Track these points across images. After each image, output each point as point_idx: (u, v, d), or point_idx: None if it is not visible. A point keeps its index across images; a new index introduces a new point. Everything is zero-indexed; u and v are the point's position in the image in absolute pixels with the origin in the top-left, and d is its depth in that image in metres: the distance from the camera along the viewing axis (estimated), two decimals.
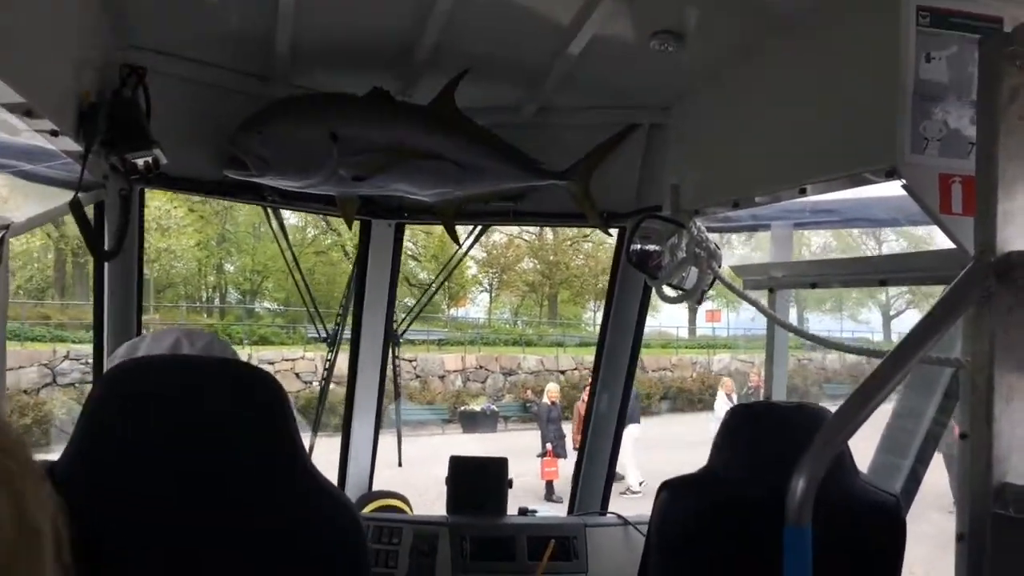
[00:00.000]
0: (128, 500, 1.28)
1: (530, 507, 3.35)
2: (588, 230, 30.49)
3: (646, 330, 3.62)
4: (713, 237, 2.68)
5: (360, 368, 3.59)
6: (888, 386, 1.32)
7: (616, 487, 3.96)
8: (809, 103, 2.07)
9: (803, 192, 2.14)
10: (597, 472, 3.57)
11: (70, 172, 2.27)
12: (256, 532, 1.33)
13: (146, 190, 2.86)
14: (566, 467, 13.14)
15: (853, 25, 1.89)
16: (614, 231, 3.30)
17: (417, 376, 23.56)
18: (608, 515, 3.34)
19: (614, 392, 3.51)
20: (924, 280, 2.32)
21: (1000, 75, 1.30)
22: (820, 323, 35.39)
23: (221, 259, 31.40)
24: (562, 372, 25.14)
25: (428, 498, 6.19)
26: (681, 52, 2.38)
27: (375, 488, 3.77)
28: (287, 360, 21.79)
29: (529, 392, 22.86)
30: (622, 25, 2.39)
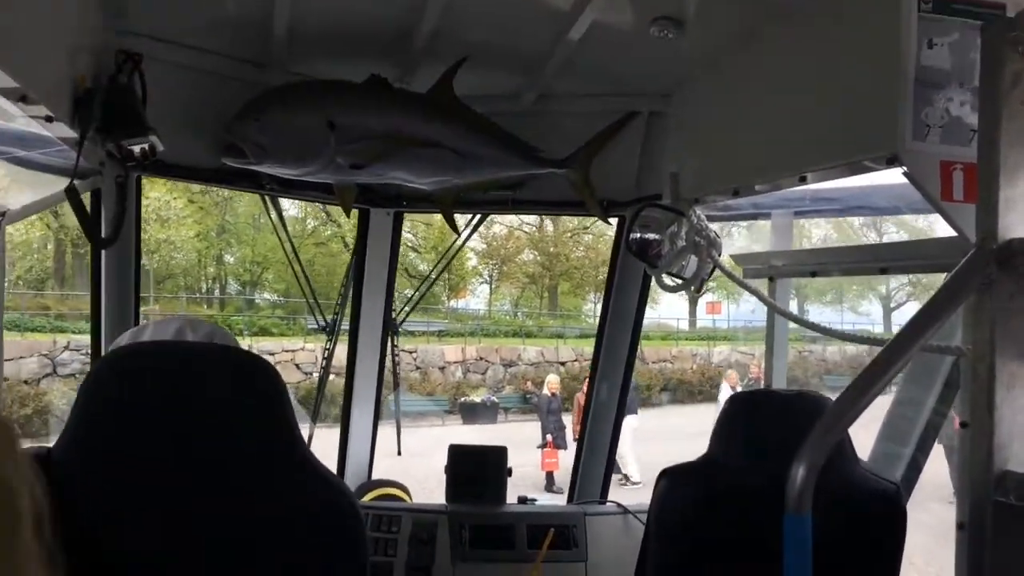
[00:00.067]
0: (125, 482, 1.28)
1: (530, 496, 3.36)
2: (588, 221, 30.76)
3: (646, 322, 3.62)
4: (713, 228, 2.67)
5: (359, 357, 3.59)
6: (889, 374, 1.31)
7: (615, 477, 3.96)
8: (809, 90, 2.06)
9: (803, 180, 2.13)
10: (597, 461, 3.57)
11: (66, 159, 2.27)
12: (254, 519, 1.33)
13: (144, 179, 2.85)
14: (566, 458, 13.16)
15: (854, 11, 1.88)
16: (613, 220, 3.29)
17: (417, 367, 23.58)
18: (608, 504, 3.34)
19: (613, 382, 3.51)
20: (925, 268, 2.31)
21: (1002, 61, 1.29)
22: (820, 315, 35.35)
23: (221, 250, 31.40)
24: (562, 363, 25.14)
25: (428, 487, 6.20)
26: (681, 39, 2.37)
27: (374, 478, 3.77)
28: (287, 351, 21.80)
29: (529, 383, 22.89)
30: (621, 11, 2.37)
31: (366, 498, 3.38)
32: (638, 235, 2.79)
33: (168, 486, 1.29)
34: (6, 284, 2.45)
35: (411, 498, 3.55)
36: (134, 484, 1.28)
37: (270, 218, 3.35)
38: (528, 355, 25.62)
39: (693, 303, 34.06)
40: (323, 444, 2.81)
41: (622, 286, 3.36)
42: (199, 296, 31.47)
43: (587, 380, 3.86)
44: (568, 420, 15.13)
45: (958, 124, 1.69)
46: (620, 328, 3.44)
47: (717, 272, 2.69)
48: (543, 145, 2.99)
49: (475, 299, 36.14)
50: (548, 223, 34.41)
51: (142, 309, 2.95)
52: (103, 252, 2.69)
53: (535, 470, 13.84)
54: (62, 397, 17.29)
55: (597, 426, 3.57)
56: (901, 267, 2.41)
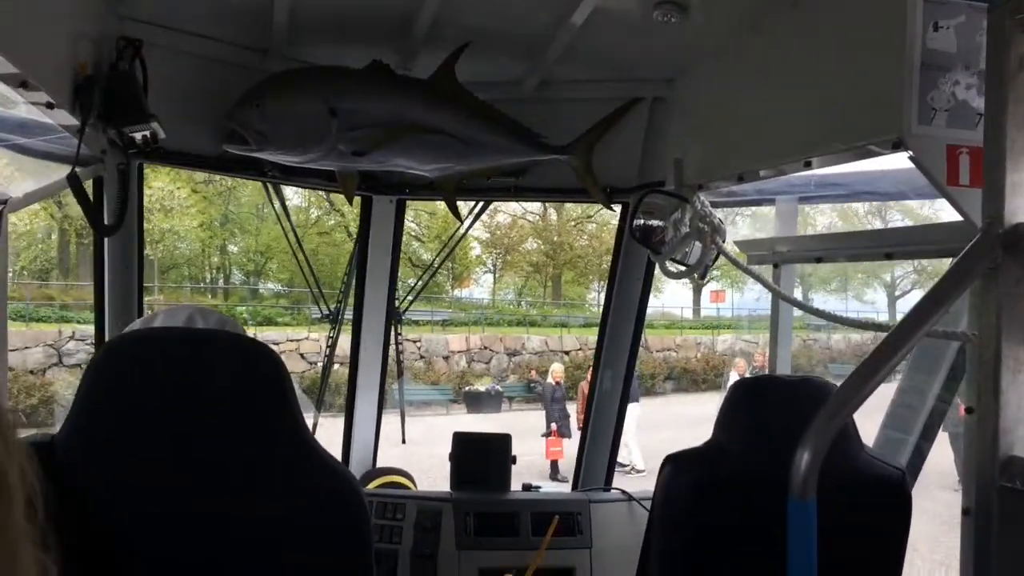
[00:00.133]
0: (128, 469, 1.28)
1: (534, 484, 3.36)
2: (592, 210, 30.74)
3: (650, 311, 3.61)
4: (718, 214, 2.66)
5: (363, 346, 3.59)
6: (894, 359, 1.30)
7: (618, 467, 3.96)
8: (814, 74, 2.04)
9: (808, 165, 2.11)
10: (601, 449, 3.57)
11: (67, 147, 2.26)
12: (260, 506, 1.33)
13: (147, 168, 2.84)
14: (571, 447, 13.19)
15: None
16: (617, 207, 3.28)
17: (421, 357, 23.61)
18: (612, 491, 3.34)
19: (617, 370, 3.50)
20: (930, 253, 2.29)
21: (1009, 43, 1.27)
22: (825, 303, 35.19)
23: (225, 240, 31.42)
24: (566, 352, 25.14)
25: (432, 476, 6.21)
26: (684, 23, 2.35)
27: (379, 466, 3.78)
28: (291, 340, 21.82)
29: (533, 372, 22.90)
30: None
31: (371, 486, 3.39)
32: (642, 222, 2.78)
33: (172, 473, 1.29)
34: (10, 274, 2.45)
35: (415, 486, 3.56)
36: (137, 470, 1.28)
37: (273, 207, 3.34)
38: (532, 344, 25.63)
39: (697, 292, 34.10)
40: (327, 433, 2.82)
41: (626, 274, 3.36)
42: (203, 286, 31.50)
43: (591, 369, 3.86)
44: (572, 409, 15.15)
45: (964, 108, 1.68)
46: (624, 316, 3.43)
47: (721, 260, 2.68)
48: (546, 131, 2.98)
49: (479, 288, 36.15)
50: (552, 212, 34.38)
51: (146, 299, 2.96)
52: (106, 241, 2.68)
53: (540, 459, 13.85)
54: (67, 387, 17.32)
55: (601, 414, 3.57)
56: (906, 252, 2.40)
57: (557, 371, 16.47)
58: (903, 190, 2.83)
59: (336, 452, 2.90)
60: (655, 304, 31.00)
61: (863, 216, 31.23)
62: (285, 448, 1.37)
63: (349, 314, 3.63)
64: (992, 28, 1.31)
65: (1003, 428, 1.25)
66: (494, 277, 36.31)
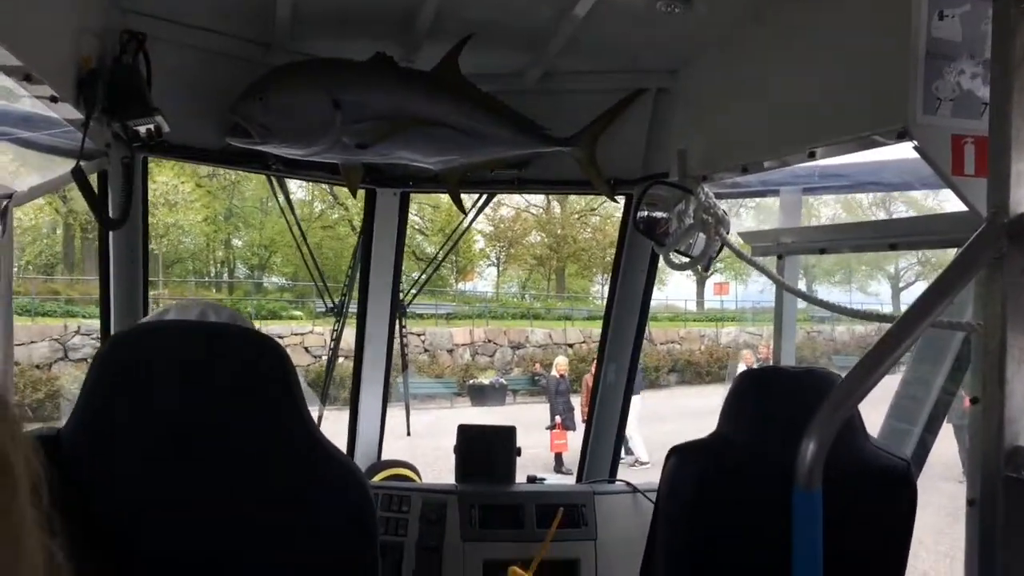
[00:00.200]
0: (135, 461, 1.28)
1: (539, 476, 3.37)
2: (596, 203, 30.72)
3: (654, 303, 3.61)
4: (722, 205, 2.66)
5: (367, 339, 3.59)
6: (899, 350, 1.30)
7: (626, 459, 3.96)
8: (818, 64, 2.04)
9: (812, 156, 2.10)
10: (605, 441, 3.58)
11: (72, 140, 2.26)
12: (265, 498, 1.33)
13: (151, 163, 2.84)
14: (575, 440, 13.20)
15: None
16: (620, 199, 3.27)
17: (426, 350, 23.63)
18: (617, 482, 3.34)
19: (621, 362, 3.50)
20: (935, 244, 2.28)
21: (1014, 32, 1.27)
22: (829, 295, 35.29)
23: (229, 234, 31.46)
24: (570, 345, 25.16)
25: (437, 469, 6.22)
26: (688, 13, 2.34)
27: (384, 459, 3.78)
28: (296, 334, 21.84)
29: (538, 365, 22.92)
30: None
31: (376, 478, 3.39)
32: (645, 213, 2.78)
33: (179, 466, 1.29)
34: (16, 269, 2.46)
35: (420, 479, 3.56)
36: (144, 463, 1.28)
37: (277, 201, 3.34)
38: (536, 337, 25.64)
39: (701, 284, 34.10)
40: (333, 427, 2.83)
41: (630, 266, 3.35)
42: (208, 280, 31.57)
43: (595, 361, 3.86)
44: (577, 401, 15.16)
45: (969, 97, 1.67)
46: (628, 308, 3.43)
47: (725, 253, 2.67)
48: (549, 123, 2.98)
49: (483, 281, 36.19)
50: (555, 205, 34.38)
51: (151, 293, 2.96)
52: (111, 235, 2.69)
53: (544, 451, 13.87)
54: (73, 381, 17.37)
55: (605, 406, 3.57)
56: (911, 243, 2.39)
57: (561, 364, 16.47)
58: (907, 180, 2.83)
59: (341, 445, 2.91)
60: (659, 297, 31.05)
61: (867, 207, 31.18)
62: (292, 441, 1.37)
63: (353, 308, 3.64)
64: (997, 17, 1.31)
65: (1008, 418, 1.25)
66: (498, 270, 36.34)
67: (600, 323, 3.62)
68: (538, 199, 33.38)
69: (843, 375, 1.45)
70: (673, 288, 32.79)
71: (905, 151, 1.77)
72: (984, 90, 1.65)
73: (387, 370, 3.69)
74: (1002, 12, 1.29)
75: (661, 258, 2.87)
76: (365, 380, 3.65)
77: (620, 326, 3.46)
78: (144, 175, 2.77)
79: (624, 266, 3.36)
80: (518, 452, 3.17)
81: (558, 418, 14.78)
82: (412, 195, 3.48)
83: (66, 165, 2.25)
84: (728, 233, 2.61)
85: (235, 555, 1.32)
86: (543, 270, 35.98)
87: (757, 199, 3.35)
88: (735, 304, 34.73)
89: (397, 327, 3.65)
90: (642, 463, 13.73)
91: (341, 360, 4.05)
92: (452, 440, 3.17)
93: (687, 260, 2.72)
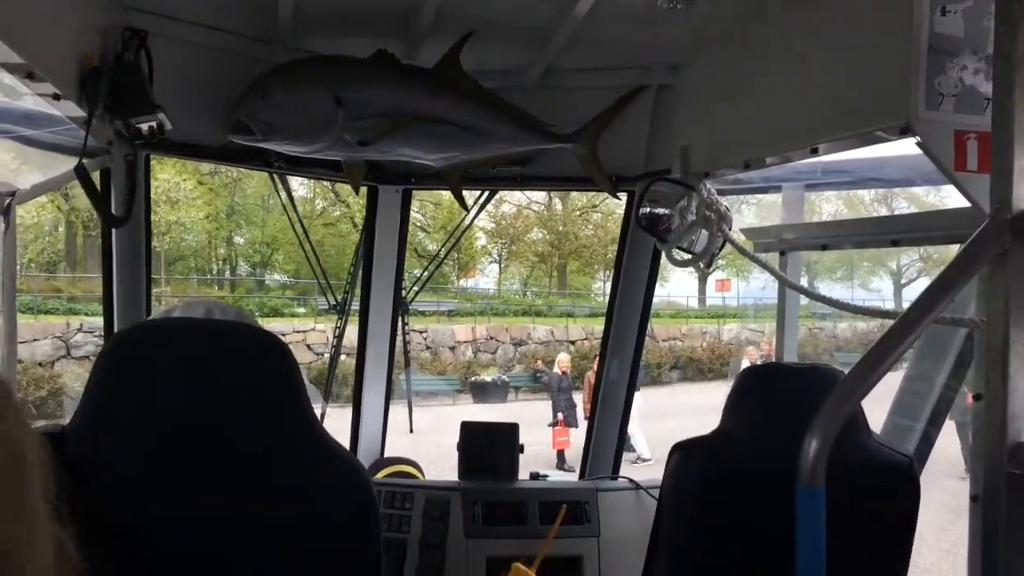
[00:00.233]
0: (140, 458, 1.28)
1: (541, 472, 3.37)
2: (597, 199, 30.70)
3: (656, 300, 3.61)
4: (724, 202, 2.65)
5: (370, 336, 3.59)
6: (902, 346, 1.30)
7: (629, 457, 3.97)
8: (821, 60, 2.04)
9: (815, 152, 2.10)
10: (608, 437, 3.58)
11: (74, 138, 2.27)
12: (269, 495, 1.33)
13: (153, 160, 2.85)
14: (577, 437, 13.21)
15: None
16: (622, 195, 3.27)
17: (428, 347, 23.64)
18: (620, 479, 3.35)
19: (624, 359, 3.50)
20: (937, 240, 2.28)
21: (1017, 27, 1.26)
22: (830, 291, 34.71)
23: (231, 231, 31.48)
24: (572, 342, 25.16)
25: (439, 466, 6.23)
26: (690, 10, 2.34)
27: (387, 456, 3.79)
28: (298, 332, 21.86)
29: (539, 362, 22.93)
30: None
31: (379, 475, 3.40)
32: (648, 210, 2.78)
33: (183, 463, 1.29)
34: (19, 267, 2.47)
35: (423, 475, 3.57)
36: (148, 460, 1.28)
37: (279, 198, 3.35)
38: (538, 334, 25.65)
39: (703, 281, 34.08)
40: (336, 424, 2.83)
41: (632, 262, 3.35)
42: (210, 278, 31.60)
43: (596, 358, 3.86)
44: (579, 399, 15.17)
45: (972, 92, 1.67)
46: (630, 305, 3.43)
47: (727, 249, 2.67)
48: (551, 120, 2.98)
49: (484, 278, 36.22)
50: (557, 202, 34.38)
51: (153, 291, 2.96)
52: (114, 232, 2.69)
53: (546, 448, 13.88)
54: (76, 379, 17.41)
55: (608, 403, 3.57)
56: (913, 239, 2.39)
57: (563, 361, 16.48)
58: (909, 176, 2.83)
59: (344, 442, 2.92)
60: (660, 293, 31.01)
61: (868, 204, 31.16)
62: (296, 438, 1.37)
63: (356, 305, 3.64)
64: (1000, 12, 1.30)
65: (1012, 414, 1.24)
66: (499, 267, 36.35)
67: (602, 320, 3.62)
68: (539, 196, 33.39)
69: (846, 371, 1.45)
70: (675, 285, 32.89)
71: (908, 147, 1.77)
72: (987, 85, 1.65)
73: (390, 367, 3.70)
74: (1005, 7, 1.29)
75: (663, 254, 2.87)
76: (368, 377, 3.66)
77: (623, 322, 3.46)
78: (147, 172, 2.77)
79: (626, 263, 3.36)
80: (521, 449, 3.17)
81: (560, 415, 14.79)
82: (414, 192, 3.48)
83: (68, 163, 2.25)
84: (730, 229, 2.61)
85: (239, 552, 1.32)
86: (545, 267, 36.00)
87: (758, 196, 3.34)
88: (737, 301, 34.75)
89: (400, 324, 3.66)
90: (644, 460, 13.74)
91: (343, 357, 4.05)
92: (454, 437, 3.18)
93: (689, 257, 2.72)
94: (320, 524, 1.35)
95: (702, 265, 2.71)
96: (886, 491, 1.89)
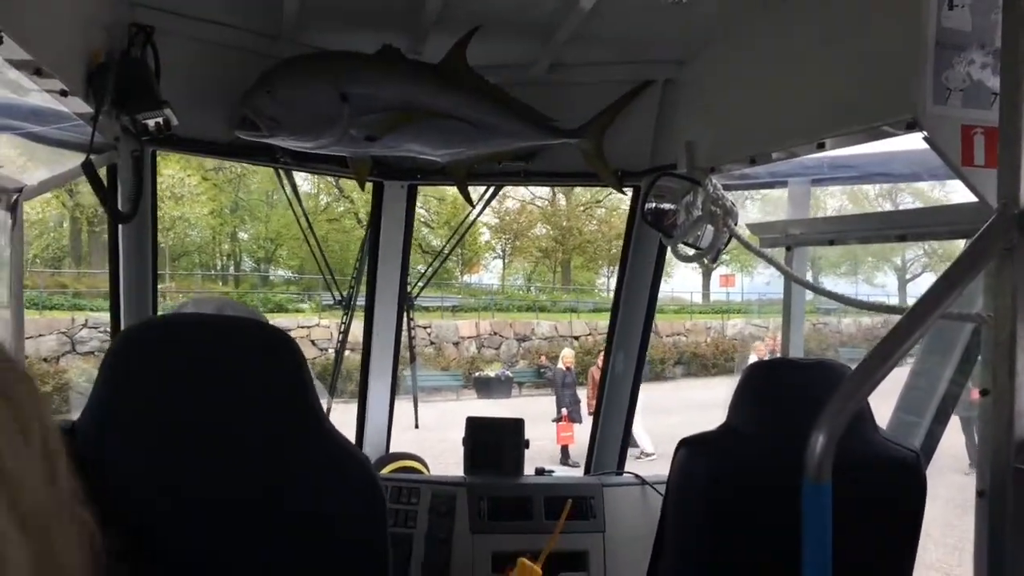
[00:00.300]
0: (149, 452, 1.29)
1: (546, 468, 3.37)
2: (601, 195, 30.66)
3: (660, 295, 3.60)
4: (730, 197, 2.65)
5: (375, 331, 3.59)
6: (909, 341, 1.30)
7: (633, 452, 3.97)
8: (827, 54, 2.03)
9: (821, 147, 2.10)
10: (613, 433, 3.57)
11: (81, 134, 2.27)
12: (276, 489, 1.34)
13: (158, 156, 2.85)
14: (581, 432, 13.22)
15: None
16: (628, 190, 3.27)
17: (432, 342, 23.67)
18: (625, 475, 3.35)
19: (629, 354, 3.50)
20: (943, 235, 2.28)
21: None
22: (835, 287, 35.06)
23: (235, 227, 31.51)
24: (576, 338, 25.17)
25: (444, 462, 6.23)
26: (695, 4, 2.34)
27: (392, 451, 3.79)
28: (303, 327, 21.88)
29: (543, 358, 22.94)
30: None
31: (385, 471, 3.40)
32: (653, 205, 2.77)
33: (192, 458, 1.30)
34: (24, 262, 2.47)
35: (429, 471, 3.57)
36: (157, 455, 1.29)
37: (285, 193, 3.35)
38: (542, 329, 25.65)
39: (707, 276, 34.03)
40: (340, 417, 2.83)
41: (637, 257, 3.35)
42: (214, 273, 31.64)
43: (601, 354, 3.86)
44: (583, 394, 15.17)
45: (979, 87, 1.67)
46: (636, 300, 3.42)
47: (733, 243, 2.67)
48: (556, 115, 2.97)
49: (488, 274, 36.21)
50: (561, 197, 34.34)
51: (158, 286, 2.97)
52: (121, 228, 2.70)
53: (550, 444, 13.88)
54: (81, 374, 17.46)
55: (613, 398, 3.57)
56: (919, 234, 2.38)
57: (568, 356, 16.49)
58: (916, 171, 2.82)
59: (349, 437, 2.92)
60: (664, 289, 30.88)
61: (873, 199, 31.09)
62: (304, 433, 1.38)
63: (361, 300, 3.65)
64: (1008, 6, 1.31)
65: (1018, 410, 1.25)
66: (503, 263, 36.34)
67: (606, 315, 3.62)
68: (543, 191, 33.35)
69: (852, 367, 1.45)
70: (679, 280, 32.78)
71: (914, 142, 1.76)
72: (994, 80, 1.64)
73: (395, 362, 3.70)
74: (1012, 1, 1.29)
75: (669, 250, 2.86)
76: (373, 372, 3.66)
77: (628, 318, 3.45)
78: (153, 168, 2.78)
79: (632, 258, 3.36)
80: (526, 444, 3.17)
81: (564, 410, 14.80)
82: (419, 188, 3.48)
83: (75, 159, 2.25)
84: (736, 225, 2.61)
85: (247, 546, 1.32)
86: (549, 262, 35.99)
87: (763, 191, 3.33)
88: (741, 296, 34.70)
89: (405, 319, 3.66)
90: (647, 455, 13.74)
91: (348, 353, 4.05)
92: (458, 432, 3.18)
93: (695, 252, 2.72)
94: (328, 519, 1.36)
95: (707, 260, 2.70)
96: (893, 487, 1.89)
